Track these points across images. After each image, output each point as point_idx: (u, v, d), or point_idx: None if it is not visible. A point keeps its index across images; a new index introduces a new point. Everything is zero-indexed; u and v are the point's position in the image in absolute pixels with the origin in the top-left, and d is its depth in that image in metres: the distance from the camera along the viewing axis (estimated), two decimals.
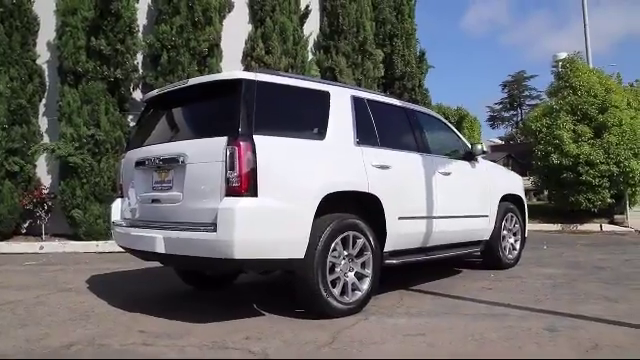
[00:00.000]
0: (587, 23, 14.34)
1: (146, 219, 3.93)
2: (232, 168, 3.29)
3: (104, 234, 8.13)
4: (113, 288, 5.08)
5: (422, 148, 4.86)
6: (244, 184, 3.27)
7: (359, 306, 3.88)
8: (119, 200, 4.42)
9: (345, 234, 3.83)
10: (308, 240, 3.55)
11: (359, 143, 4.14)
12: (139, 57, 8.70)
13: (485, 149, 5.51)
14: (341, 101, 4.17)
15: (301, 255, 3.53)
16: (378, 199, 4.10)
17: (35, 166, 8.72)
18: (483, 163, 5.77)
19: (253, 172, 3.29)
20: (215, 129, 3.50)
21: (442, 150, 5.25)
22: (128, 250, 4.17)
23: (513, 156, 35.00)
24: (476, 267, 5.96)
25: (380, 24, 10.77)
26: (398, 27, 10.92)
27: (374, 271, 4.01)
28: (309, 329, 3.45)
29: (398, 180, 4.37)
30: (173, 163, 3.68)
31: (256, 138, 3.36)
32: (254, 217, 3.30)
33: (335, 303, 3.69)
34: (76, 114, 8.07)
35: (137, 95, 8.86)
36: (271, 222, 3.38)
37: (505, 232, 5.90)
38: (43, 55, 8.87)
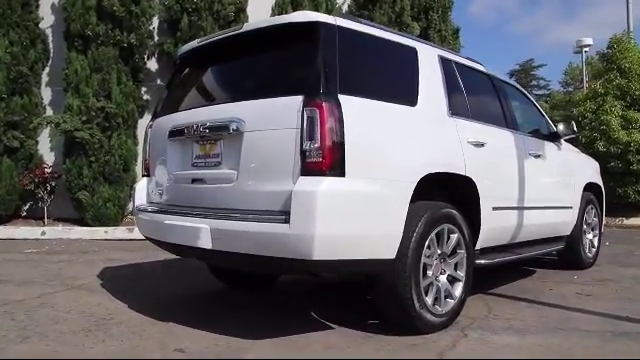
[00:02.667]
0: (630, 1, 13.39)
1: (184, 204, 3.06)
2: (311, 137, 2.42)
3: (114, 219, 7.36)
4: (132, 286, 4.24)
5: (510, 124, 4.02)
6: (328, 159, 2.41)
7: (451, 318, 3.06)
8: (145, 180, 3.56)
9: (440, 227, 2.99)
10: (402, 235, 2.70)
11: (452, 114, 3.28)
12: (155, 22, 7.79)
13: (575, 129, 4.65)
14: (429, 60, 3.30)
15: (392, 255, 2.68)
16: (474, 184, 3.26)
17: (37, 142, 7.89)
18: (565, 146, 4.92)
19: (339, 143, 2.43)
20: (284, 87, 2.65)
21: (527, 128, 4.40)
22: (155, 242, 3.32)
23: None
24: (547, 266, 5.14)
25: None
26: (435, 0, 9.95)
27: (467, 273, 3.20)
28: (402, 351, 2.63)
29: (493, 161, 3.55)
30: (223, 131, 2.81)
31: (342, 98, 2.50)
32: (341, 204, 2.44)
33: (428, 315, 2.86)
34: (84, 83, 7.19)
35: (152, 65, 8.00)
36: (361, 211, 2.52)
37: (585, 226, 5.08)
38: (47, 18, 7.99)
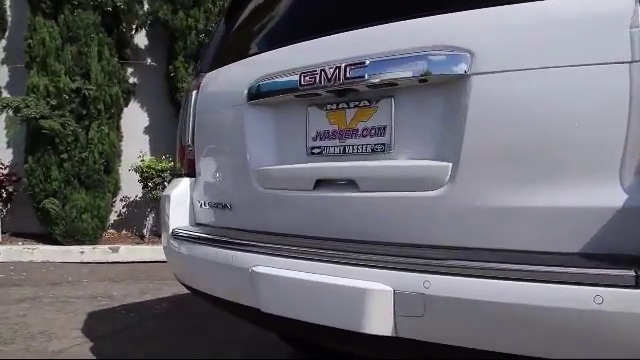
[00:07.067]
0: None
1: (295, 232, 1.55)
2: None
3: (91, 236, 5.76)
4: (144, 352, 2.68)
5: None
6: None
7: None
8: (186, 182, 2.02)
9: None
10: None
11: None
12: None
13: None
14: None
15: None
16: None
17: None
18: None
19: None
20: None
21: None
22: (222, 303, 1.77)
23: None
24: None
25: None
26: None
27: None
28: None
29: None
30: (402, 79, 1.32)
31: None
32: None
33: None
34: (54, 57, 5.55)
35: (140, 40, 6.44)
36: None
37: None
38: None
